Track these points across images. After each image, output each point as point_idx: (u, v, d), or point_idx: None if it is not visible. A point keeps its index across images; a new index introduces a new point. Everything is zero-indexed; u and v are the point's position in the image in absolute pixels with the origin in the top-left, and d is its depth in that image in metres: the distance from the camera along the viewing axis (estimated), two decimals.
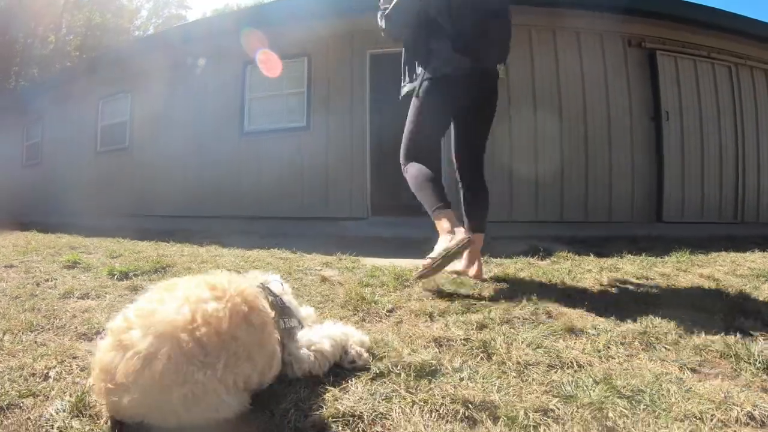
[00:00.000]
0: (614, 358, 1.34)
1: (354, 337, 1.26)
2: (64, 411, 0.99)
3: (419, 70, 2.28)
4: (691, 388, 1.13)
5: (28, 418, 0.97)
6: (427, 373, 1.14)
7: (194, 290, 1.00)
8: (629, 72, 6.15)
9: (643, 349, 1.43)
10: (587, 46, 5.97)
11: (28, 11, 16.27)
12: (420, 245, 2.97)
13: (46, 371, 1.20)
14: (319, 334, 1.20)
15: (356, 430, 0.93)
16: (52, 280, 2.35)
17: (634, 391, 1.10)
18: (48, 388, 1.10)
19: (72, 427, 0.94)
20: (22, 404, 1.02)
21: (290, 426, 0.94)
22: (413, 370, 1.14)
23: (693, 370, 1.27)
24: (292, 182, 5.63)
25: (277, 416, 0.98)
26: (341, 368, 1.19)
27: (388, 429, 0.92)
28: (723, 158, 6.57)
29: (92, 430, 0.94)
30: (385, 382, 1.10)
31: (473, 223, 2.43)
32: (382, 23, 2.34)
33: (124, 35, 20.92)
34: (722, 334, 1.53)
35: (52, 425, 0.94)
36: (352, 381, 1.13)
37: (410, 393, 1.04)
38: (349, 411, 0.96)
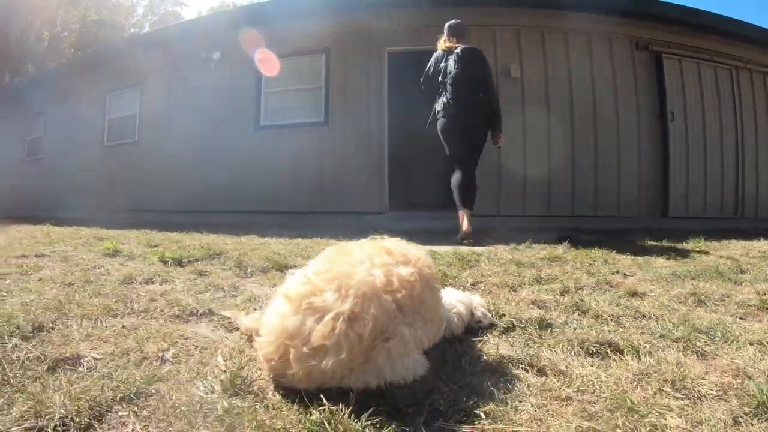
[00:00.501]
0: (678, 311, 1.63)
1: (475, 300, 1.35)
2: (215, 392, 0.91)
3: (436, 110, 3.94)
4: (746, 327, 1.44)
5: (173, 405, 0.87)
6: (545, 325, 1.33)
7: (376, 255, 1.01)
8: (636, 73, 6.34)
9: (697, 306, 1.74)
10: (597, 48, 6.15)
11: (26, 6, 16.07)
12: (443, 234, 3.75)
13: (160, 354, 1.12)
14: (452, 299, 1.27)
15: (522, 367, 1.07)
16: (99, 267, 2.31)
17: (706, 329, 1.38)
18: (174, 372, 1.02)
19: (238, 406, 0.86)
20: (153, 391, 0.92)
21: (469, 370, 1.05)
22: (533, 323, 1.33)
23: (741, 318, 1.59)
24: (310, 176, 5.65)
25: (450, 364, 1.08)
26: (470, 327, 1.32)
27: (545, 364, 1.08)
28: (724, 156, 6.80)
29: (262, 405, 0.87)
30: (515, 335, 1.29)
31: (464, 202, 3.81)
32: (422, 85, 4.10)
33: (120, 32, 20.74)
34: (754, 293, 1.88)
35: (214, 407, 0.86)
36: (486, 336, 1.29)
37: (543, 339, 1.21)
38: (508, 355, 1.12)
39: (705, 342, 1.28)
